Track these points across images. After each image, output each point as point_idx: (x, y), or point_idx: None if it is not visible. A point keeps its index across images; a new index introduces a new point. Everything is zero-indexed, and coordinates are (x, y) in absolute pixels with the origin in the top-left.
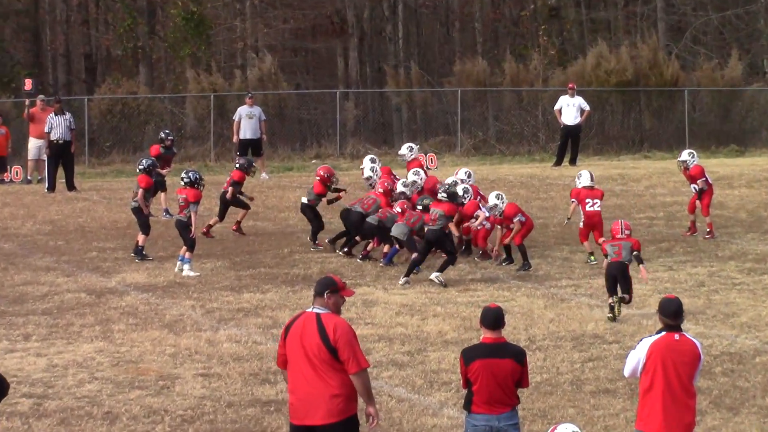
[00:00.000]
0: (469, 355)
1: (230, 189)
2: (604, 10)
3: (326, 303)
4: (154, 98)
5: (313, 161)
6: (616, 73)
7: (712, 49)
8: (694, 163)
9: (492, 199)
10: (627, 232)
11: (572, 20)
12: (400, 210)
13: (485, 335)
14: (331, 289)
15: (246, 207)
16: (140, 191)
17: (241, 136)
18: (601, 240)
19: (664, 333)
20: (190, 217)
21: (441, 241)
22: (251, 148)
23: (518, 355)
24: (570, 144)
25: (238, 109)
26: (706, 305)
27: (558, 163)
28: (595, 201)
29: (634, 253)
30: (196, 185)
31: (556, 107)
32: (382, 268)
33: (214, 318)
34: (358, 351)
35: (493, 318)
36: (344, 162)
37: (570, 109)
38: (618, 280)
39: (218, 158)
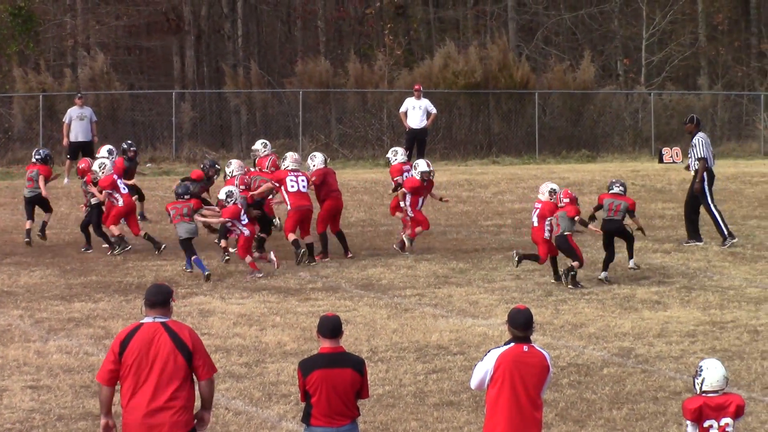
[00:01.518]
0: (306, 366)
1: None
2: (453, 8)
3: (170, 311)
4: None
5: (148, 165)
6: (465, 75)
7: (564, 51)
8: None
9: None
10: (566, 200)
11: (419, 19)
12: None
13: (323, 345)
14: (173, 298)
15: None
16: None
17: (72, 139)
18: None
19: (512, 344)
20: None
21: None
22: (82, 151)
23: (358, 365)
24: (416, 148)
25: (69, 110)
26: (553, 315)
27: None
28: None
29: (577, 218)
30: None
31: (402, 110)
32: (219, 277)
33: (44, 328)
34: (209, 356)
35: (331, 327)
36: (180, 166)
37: (416, 112)
38: (562, 251)
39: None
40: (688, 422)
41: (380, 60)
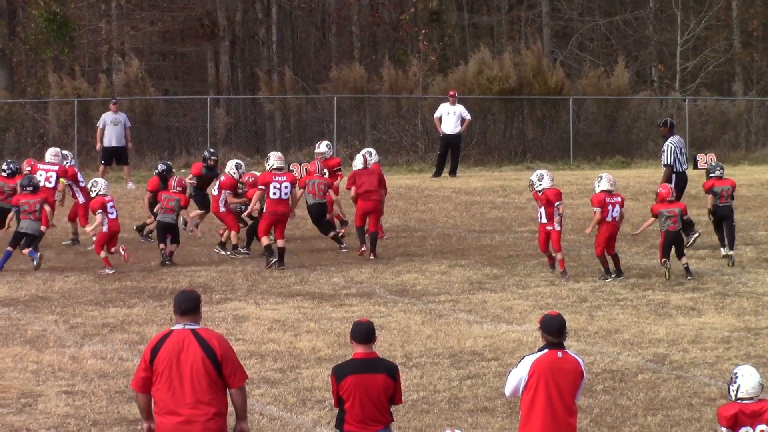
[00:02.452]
0: (340, 372)
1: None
2: (487, 14)
3: (200, 317)
4: (14, 103)
5: (183, 171)
6: (499, 81)
7: (598, 57)
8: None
9: None
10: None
11: (454, 25)
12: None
13: (356, 351)
14: (200, 305)
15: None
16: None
17: (106, 144)
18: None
19: (546, 351)
20: None
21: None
22: (116, 156)
23: (391, 370)
24: (450, 154)
25: (103, 115)
26: (588, 321)
27: (437, 173)
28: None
29: (685, 217)
30: None
31: (436, 115)
32: (253, 282)
33: (78, 333)
34: (239, 364)
35: (365, 332)
36: None
37: (450, 118)
38: (674, 244)
39: (83, 167)
40: (723, 429)
41: (414, 66)
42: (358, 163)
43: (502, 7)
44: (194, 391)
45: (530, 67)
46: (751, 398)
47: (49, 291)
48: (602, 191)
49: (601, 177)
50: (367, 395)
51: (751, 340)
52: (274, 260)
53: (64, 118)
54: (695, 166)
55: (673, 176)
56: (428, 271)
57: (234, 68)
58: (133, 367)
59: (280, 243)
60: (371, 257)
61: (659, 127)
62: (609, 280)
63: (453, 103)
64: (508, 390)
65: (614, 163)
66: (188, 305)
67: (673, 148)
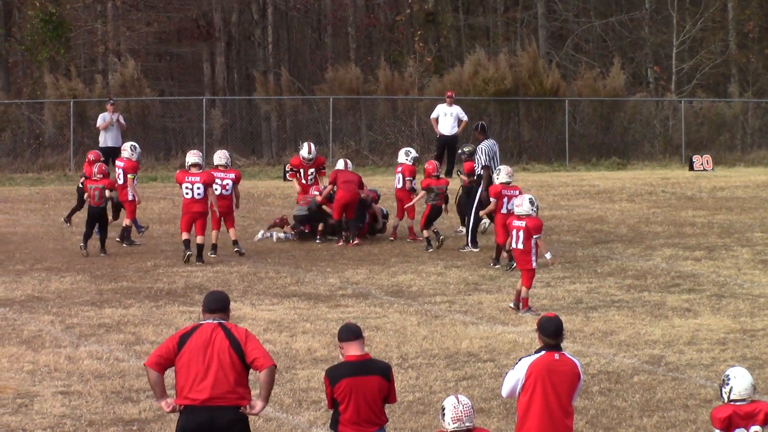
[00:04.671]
0: (334, 375)
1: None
2: (483, 15)
3: (228, 317)
4: (10, 104)
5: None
6: (495, 82)
7: (594, 58)
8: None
9: None
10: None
11: (449, 26)
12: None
13: (348, 353)
14: (229, 305)
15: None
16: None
17: (101, 144)
18: None
19: (543, 352)
20: None
21: None
22: (112, 156)
23: (385, 371)
24: (446, 155)
25: (101, 115)
26: (583, 323)
27: None
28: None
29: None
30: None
31: (433, 116)
32: (249, 283)
33: (74, 334)
34: (265, 350)
35: (353, 329)
36: None
37: (447, 119)
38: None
39: (78, 167)
40: (717, 431)
41: (410, 67)
42: (339, 165)
43: (497, 8)
44: (219, 381)
45: (526, 69)
46: (743, 400)
47: (45, 291)
48: (501, 183)
49: (500, 169)
50: (362, 397)
51: (747, 342)
52: (189, 253)
53: (60, 118)
54: (691, 168)
55: (479, 179)
56: (424, 272)
57: (230, 69)
58: (128, 368)
59: (199, 239)
60: (352, 243)
61: (474, 131)
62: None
63: (450, 104)
64: (504, 391)
65: (610, 165)
66: (218, 305)
67: (486, 150)
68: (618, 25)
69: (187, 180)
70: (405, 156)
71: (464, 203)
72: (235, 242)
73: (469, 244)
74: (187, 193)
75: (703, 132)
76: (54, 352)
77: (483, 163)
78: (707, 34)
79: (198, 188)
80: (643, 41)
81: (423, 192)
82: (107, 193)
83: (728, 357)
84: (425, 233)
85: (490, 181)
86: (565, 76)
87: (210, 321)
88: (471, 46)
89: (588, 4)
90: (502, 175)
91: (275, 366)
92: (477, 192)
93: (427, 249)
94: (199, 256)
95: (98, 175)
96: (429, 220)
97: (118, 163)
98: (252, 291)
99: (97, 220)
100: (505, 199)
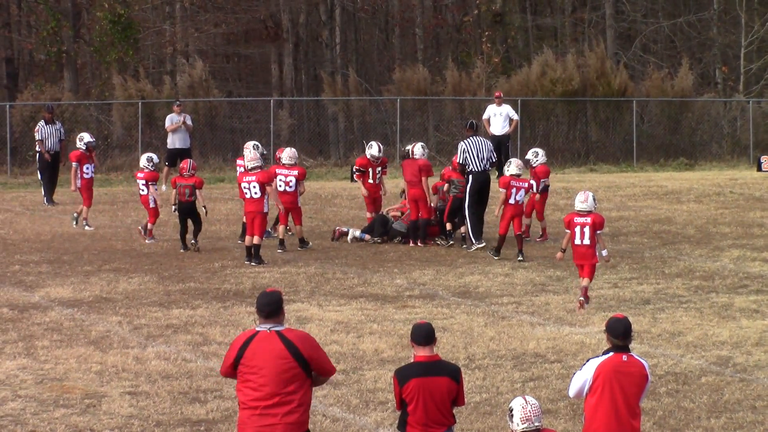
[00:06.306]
0: (403, 375)
1: None
2: (551, 16)
3: (283, 318)
4: (79, 105)
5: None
6: (562, 83)
7: (662, 58)
8: (539, 163)
9: None
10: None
11: (517, 27)
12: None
13: (418, 353)
14: (282, 305)
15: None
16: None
17: (170, 146)
18: None
19: (611, 354)
20: None
21: None
22: (180, 158)
23: (454, 373)
24: (499, 154)
25: (168, 116)
26: (651, 324)
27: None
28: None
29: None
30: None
31: (484, 117)
32: (316, 284)
33: (142, 334)
34: (327, 359)
35: (425, 334)
36: None
37: (498, 119)
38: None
39: None
40: None
41: (478, 68)
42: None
43: (565, 8)
44: (278, 390)
45: (593, 69)
46: None
47: (113, 292)
48: (510, 174)
49: (510, 161)
50: (430, 398)
51: None
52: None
53: (128, 119)
54: (759, 168)
55: (469, 176)
56: (491, 273)
57: (297, 70)
58: (196, 369)
59: (254, 240)
60: (418, 244)
61: (464, 128)
62: (520, 260)
63: (499, 104)
64: (572, 391)
65: (678, 165)
66: (271, 308)
67: (465, 147)
68: (686, 26)
69: (244, 180)
70: (421, 150)
71: (458, 207)
72: (302, 240)
73: (474, 241)
74: (246, 193)
75: None
76: (122, 352)
77: (460, 161)
78: None
79: (254, 187)
80: (711, 42)
81: (446, 184)
82: (197, 192)
83: None
84: (448, 225)
85: (467, 174)
86: (632, 76)
87: (266, 329)
88: (538, 47)
89: (656, 5)
90: (512, 167)
91: (334, 372)
92: (466, 191)
93: (447, 242)
94: (249, 256)
95: (190, 172)
96: (452, 213)
97: (139, 175)
98: (319, 292)
99: (189, 215)
100: (513, 190)
